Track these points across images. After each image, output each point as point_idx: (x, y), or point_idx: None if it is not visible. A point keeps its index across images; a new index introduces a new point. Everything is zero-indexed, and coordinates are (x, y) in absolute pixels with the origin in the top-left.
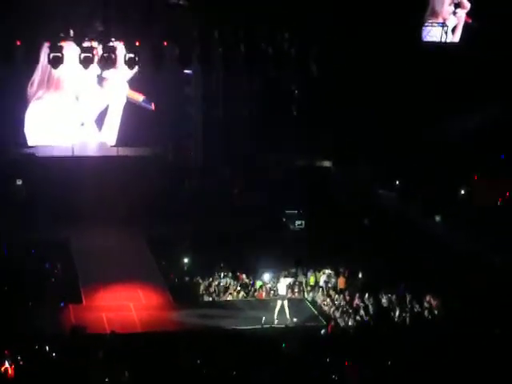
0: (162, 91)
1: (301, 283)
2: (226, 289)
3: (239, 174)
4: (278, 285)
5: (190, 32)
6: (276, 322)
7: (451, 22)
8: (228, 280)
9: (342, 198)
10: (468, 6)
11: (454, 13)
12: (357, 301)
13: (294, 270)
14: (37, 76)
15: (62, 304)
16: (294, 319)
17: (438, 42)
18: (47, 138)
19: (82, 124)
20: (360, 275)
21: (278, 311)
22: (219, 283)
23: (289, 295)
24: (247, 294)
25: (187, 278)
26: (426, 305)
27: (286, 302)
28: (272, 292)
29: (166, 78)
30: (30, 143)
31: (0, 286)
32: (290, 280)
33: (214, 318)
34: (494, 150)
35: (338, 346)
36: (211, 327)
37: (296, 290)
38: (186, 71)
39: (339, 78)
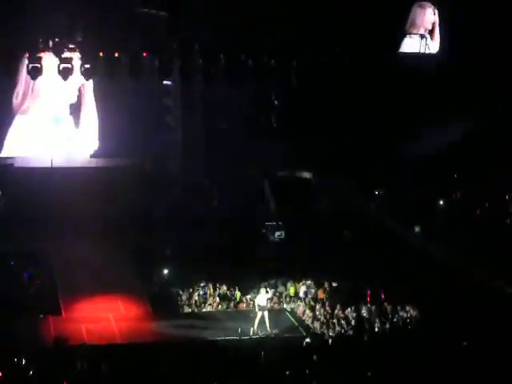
0: (141, 101)
1: (281, 294)
2: (206, 300)
3: (218, 185)
4: (258, 296)
5: (171, 43)
6: (253, 332)
7: (429, 32)
8: (208, 291)
9: (322, 209)
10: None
11: (433, 24)
12: (337, 312)
13: (273, 281)
14: (21, 87)
15: (41, 316)
16: (274, 330)
17: (416, 53)
18: (27, 149)
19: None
20: (340, 286)
21: (259, 322)
22: (199, 294)
23: (269, 306)
24: (227, 305)
25: (167, 289)
26: (405, 315)
27: (266, 313)
28: (252, 303)
29: (145, 89)
30: (7, 154)
31: None
32: (270, 291)
33: (194, 328)
34: (476, 161)
35: (318, 356)
36: (191, 338)
37: (276, 301)
38: (165, 82)
39: (319, 89)
